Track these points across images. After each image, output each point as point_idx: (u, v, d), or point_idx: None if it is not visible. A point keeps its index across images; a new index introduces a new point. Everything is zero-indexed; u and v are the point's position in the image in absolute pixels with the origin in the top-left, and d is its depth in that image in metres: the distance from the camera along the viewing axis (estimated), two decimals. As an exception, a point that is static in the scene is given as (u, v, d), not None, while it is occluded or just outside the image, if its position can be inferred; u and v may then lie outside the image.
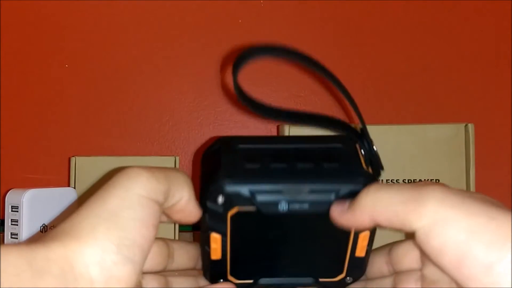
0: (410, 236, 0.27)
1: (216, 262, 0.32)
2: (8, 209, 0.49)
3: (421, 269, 0.31)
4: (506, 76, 0.73)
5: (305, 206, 0.29)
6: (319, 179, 0.29)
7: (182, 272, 0.33)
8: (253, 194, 0.29)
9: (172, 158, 0.63)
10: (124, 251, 0.24)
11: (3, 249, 0.22)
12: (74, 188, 0.58)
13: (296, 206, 0.29)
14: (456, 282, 0.25)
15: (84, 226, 0.24)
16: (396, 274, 0.33)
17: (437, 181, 0.56)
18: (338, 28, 0.74)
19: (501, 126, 0.72)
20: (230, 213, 0.29)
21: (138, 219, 0.25)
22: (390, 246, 0.34)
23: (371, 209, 0.27)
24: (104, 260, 0.24)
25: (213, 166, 0.31)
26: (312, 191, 0.29)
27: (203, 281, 0.34)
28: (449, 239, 0.24)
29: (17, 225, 0.49)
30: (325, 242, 0.32)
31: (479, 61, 0.73)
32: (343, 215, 0.29)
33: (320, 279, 0.33)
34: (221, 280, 0.33)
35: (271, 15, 0.74)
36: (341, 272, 0.33)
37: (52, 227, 0.51)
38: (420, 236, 0.25)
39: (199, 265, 0.35)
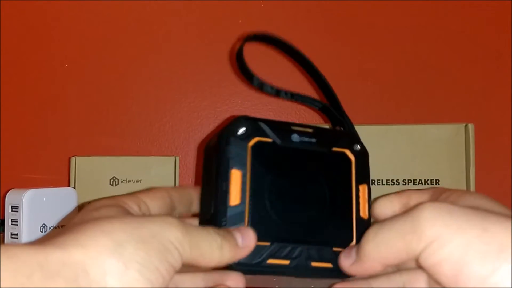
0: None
1: (234, 209, 0.32)
2: (8, 209, 0.49)
3: None
4: (506, 76, 0.73)
5: (313, 140, 0.34)
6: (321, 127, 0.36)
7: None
8: (269, 126, 0.34)
9: (172, 158, 0.63)
10: (147, 273, 0.25)
11: (16, 249, 0.23)
12: (74, 188, 0.58)
13: (305, 139, 0.34)
14: None
15: (112, 239, 0.25)
16: (407, 271, 0.32)
17: (437, 181, 0.56)
18: (338, 28, 0.74)
19: (501, 126, 0.72)
20: (250, 144, 0.33)
21: (164, 253, 0.26)
22: None
23: (377, 256, 0.28)
24: (126, 275, 0.24)
25: None
26: (316, 132, 0.35)
27: (210, 277, 0.34)
28: (445, 257, 0.25)
29: (17, 225, 0.49)
30: (333, 200, 0.34)
31: (479, 61, 0.73)
32: (353, 267, 0.30)
33: (334, 248, 0.33)
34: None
35: (271, 15, 0.74)
36: (351, 240, 0.34)
37: (52, 227, 0.51)
38: (421, 259, 0.26)
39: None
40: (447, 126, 0.57)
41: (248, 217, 0.32)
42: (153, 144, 0.73)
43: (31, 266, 0.22)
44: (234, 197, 0.32)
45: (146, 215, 0.29)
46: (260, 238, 0.32)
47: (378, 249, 0.28)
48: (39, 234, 0.49)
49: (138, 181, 0.61)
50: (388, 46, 0.73)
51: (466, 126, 0.56)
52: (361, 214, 0.34)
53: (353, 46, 0.73)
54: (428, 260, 0.26)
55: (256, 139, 0.33)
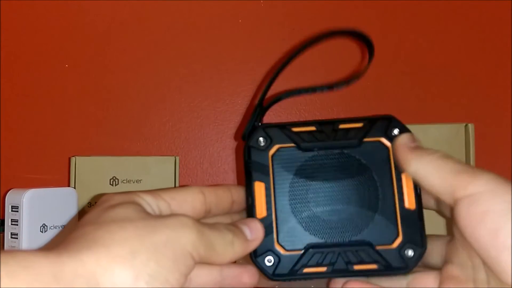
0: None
1: (262, 222, 0.32)
2: (8, 209, 0.49)
3: (442, 267, 0.31)
4: (506, 76, 0.73)
5: (341, 136, 0.33)
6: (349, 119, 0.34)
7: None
8: (289, 130, 0.33)
9: (172, 158, 0.63)
10: (156, 284, 0.25)
11: (32, 257, 0.23)
12: (74, 188, 0.58)
13: (332, 136, 0.33)
14: (487, 258, 0.25)
15: (124, 248, 0.25)
16: (413, 274, 0.32)
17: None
18: (338, 27, 0.73)
19: (501, 126, 0.72)
20: (271, 153, 0.32)
21: (176, 263, 0.26)
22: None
23: (423, 166, 0.29)
24: (135, 286, 0.24)
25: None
26: (342, 128, 0.33)
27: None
28: (492, 208, 0.25)
29: (17, 225, 0.49)
30: (371, 195, 0.32)
31: (479, 61, 0.73)
32: (404, 147, 0.31)
33: (377, 247, 0.31)
34: (269, 252, 0.32)
35: (271, 15, 0.74)
36: (396, 235, 0.31)
37: (52, 227, 0.51)
38: (463, 205, 0.26)
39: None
40: (447, 126, 0.56)
41: (276, 227, 0.32)
42: (153, 144, 0.73)
43: (46, 278, 0.22)
44: (260, 210, 0.32)
45: (161, 216, 0.28)
46: (291, 247, 0.32)
47: (431, 162, 0.29)
48: (39, 234, 0.50)
49: (138, 181, 0.61)
50: (388, 46, 0.73)
51: (466, 126, 0.56)
52: (407, 205, 0.31)
53: (352, 45, 0.73)
54: (471, 207, 0.26)
55: (276, 146, 0.33)
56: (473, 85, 0.73)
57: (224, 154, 0.73)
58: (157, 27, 0.73)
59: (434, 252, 0.32)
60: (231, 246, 0.29)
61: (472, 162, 0.55)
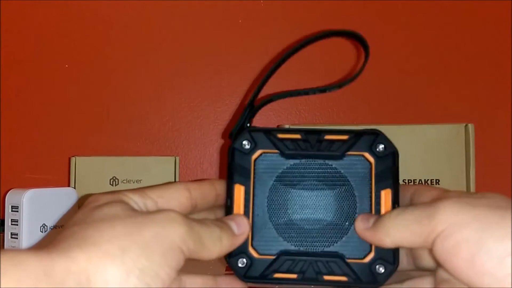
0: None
1: None
2: (8, 209, 0.49)
3: (435, 269, 0.31)
4: (506, 76, 0.73)
5: (324, 146, 0.33)
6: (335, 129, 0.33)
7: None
8: (274, 137, 0.33)
9: (172, 158, 0.63)
10: (148, 279, 0.25)
11: (22, 256, 0.23)
12: (74, 188, 0.58)
13: (315, 146, 0.33)
14: (470, 285, 0.26)
15: (115, 245, 0.25)
16: (411, 280, 0.33)
17: (437, 181, 0.56)
18: (338, 27, 0.74)
19: (501, 126, 0.72)
20: (254, 157, 0.33)
21: (165, 257, 0.26)
22: None
23: (392, 233, 0.29)
24: (126, 282, 0.24)
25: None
26: (328, 139, 0.33)
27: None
28: (463, 238, 0.26)
29: (17, 225, 0.49)
30: (347, 209, 0.33)
31: (479, 61, 0.73)
32: (366, 232, 0.31)
33: (348, 260, 0.32)
34: (242, 255, 0.32)
35: (271, 15, 0.74)
36: (369, 250, 0.32)
37: (53, 227, 0.51)
38: (437, 243, 0.27)
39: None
40: (447, 126, 0.57)
41: (252, 231, 0.32)
42: (153, 144, 0.73)
43: (36, 275, 0.22)
44: (237, 213, 0.32)
45: (150, 213, 0.28)
46: (264, 251, 0.32)
47: (395, 227, 0.29)
48: (39, 234, 0.50)
49: (138, 181, 0.61)
50: (388, 46, 0.73)
51: (466, 126, 0.56)
52: None
53: (352, 45, 0.73)
54: (444, 243, 0.26)
55: (260, 151, 0.33)
56: (473, 85, 0.73)
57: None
58: (157, 27, 0.73)
59: (425, 255, 0.33)
60: (219, 241, 0.30)
61: (472, 162, 0.55)
